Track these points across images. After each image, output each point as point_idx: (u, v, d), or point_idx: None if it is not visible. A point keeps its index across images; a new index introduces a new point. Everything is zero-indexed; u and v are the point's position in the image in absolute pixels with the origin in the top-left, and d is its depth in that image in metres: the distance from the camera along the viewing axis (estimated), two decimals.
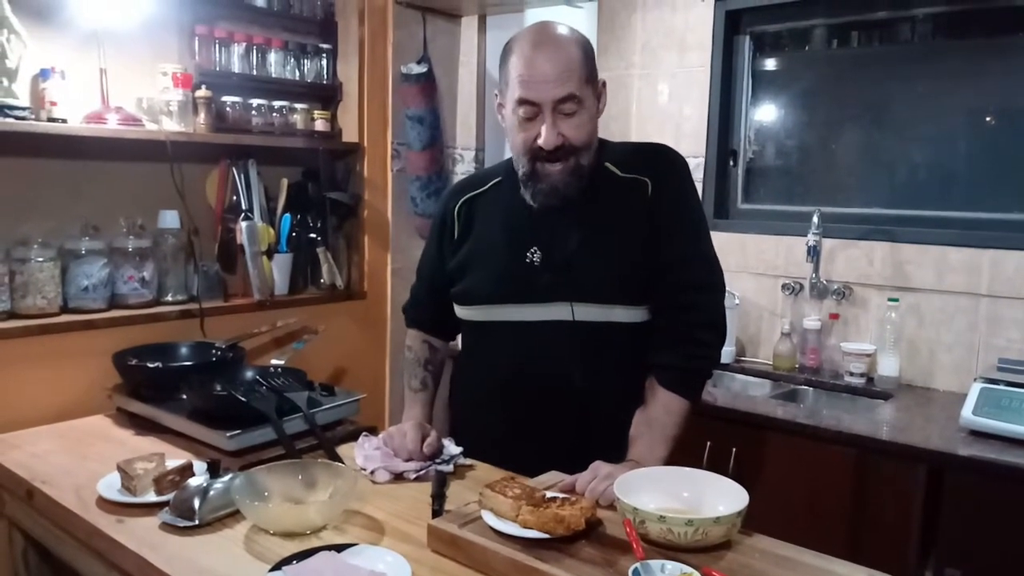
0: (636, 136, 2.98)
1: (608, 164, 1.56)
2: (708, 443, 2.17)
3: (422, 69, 2.67)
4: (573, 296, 1.52)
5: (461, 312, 1.66)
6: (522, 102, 1.44)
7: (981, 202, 2.43)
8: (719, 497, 1.23)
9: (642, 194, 1.53)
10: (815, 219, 2.49)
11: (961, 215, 2.45)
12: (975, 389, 2.00)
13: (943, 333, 2.40)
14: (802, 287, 2.64)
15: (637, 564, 1.08)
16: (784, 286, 2.68)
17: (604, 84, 1.54)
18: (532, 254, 1.55)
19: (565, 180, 1.49)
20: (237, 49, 2.42)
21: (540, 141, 1.44)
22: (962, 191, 2.49)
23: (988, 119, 2.47)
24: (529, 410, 1.56)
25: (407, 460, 1.56)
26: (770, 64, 2.87)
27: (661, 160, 1.59)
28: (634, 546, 1.12)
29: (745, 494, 1.21)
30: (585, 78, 1.46)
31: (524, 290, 1.55)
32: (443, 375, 1.83)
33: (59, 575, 1.79)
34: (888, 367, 2.43)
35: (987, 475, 1.81)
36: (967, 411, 1.95)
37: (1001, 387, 1.98)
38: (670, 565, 1.09)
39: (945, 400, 2.28)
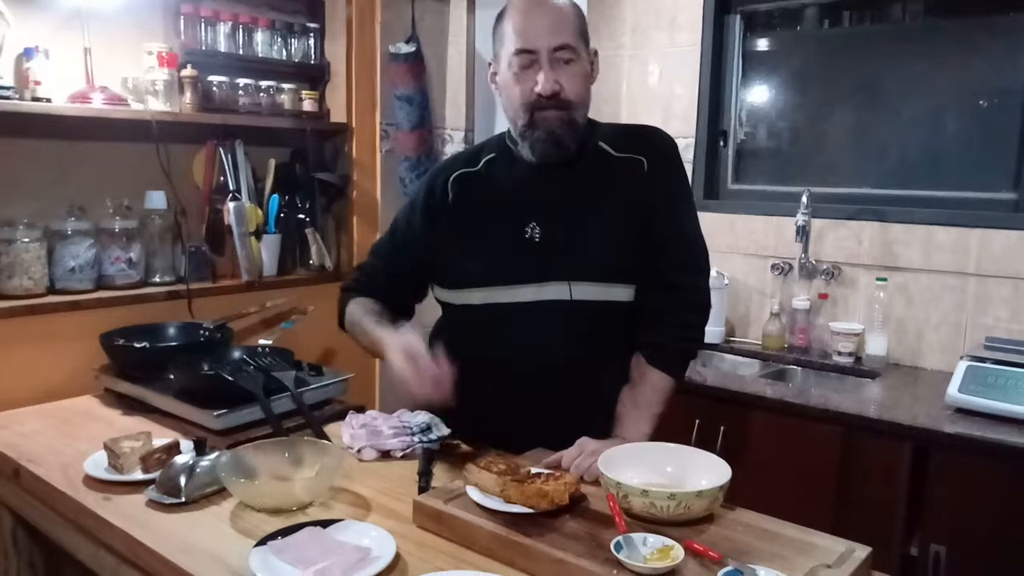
0: (627, 117, 2.97)
1: (602, 143, 1.56)
2: (697, 421, 2.18)
3: (411, 48, 2.66)
4: (571, 275, 1.50)
5: (449, 296, 1.60)
6: (519, 52, 1.45)
7: (969, 181, 2.44)
8: (703, 472, 1.24)
9: (637, 173, 1.53)
10: (804, 199, 2.49)
11: (949, 195, 2.46)
12: (961, 367, 2.01)
13: (931, 312, 2.41)
14: (791, 267, 2.65)
15: (619, 537, 1.08)
16: (773, 266, 2.68)
17: (596, 53, 1.56)
18: (531, 229, 1.52)
19: (562, 128, 1.48)
20: (223, 28, 2.39)
21: (538, 88, 1.45)
22: (951, 171, 2.49)
23: (977, 99, 2.47)
24: (523, 392, 1.54)
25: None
26: (761, 44, 2.86)
27: (655, 141, 1.59)
28: (617, 520, 1.13)
29: (728, 468, 1.22)
30: (579, 32, 1.49)
31: (523, 269, 1.51)
32: None
33: (48, 554, 1.80)
34: (876, 346, 2.44)
35: (972, 452, 1.82)
36: (953, 389, 1.97)
37: (988, 365, 1.99)
38: (652, 538, 1.09)
39: (932, 379, 2.29)
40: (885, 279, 2.45)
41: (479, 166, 1.61)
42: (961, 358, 2.06)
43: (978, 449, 1.81)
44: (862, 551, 1.10)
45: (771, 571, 1.00)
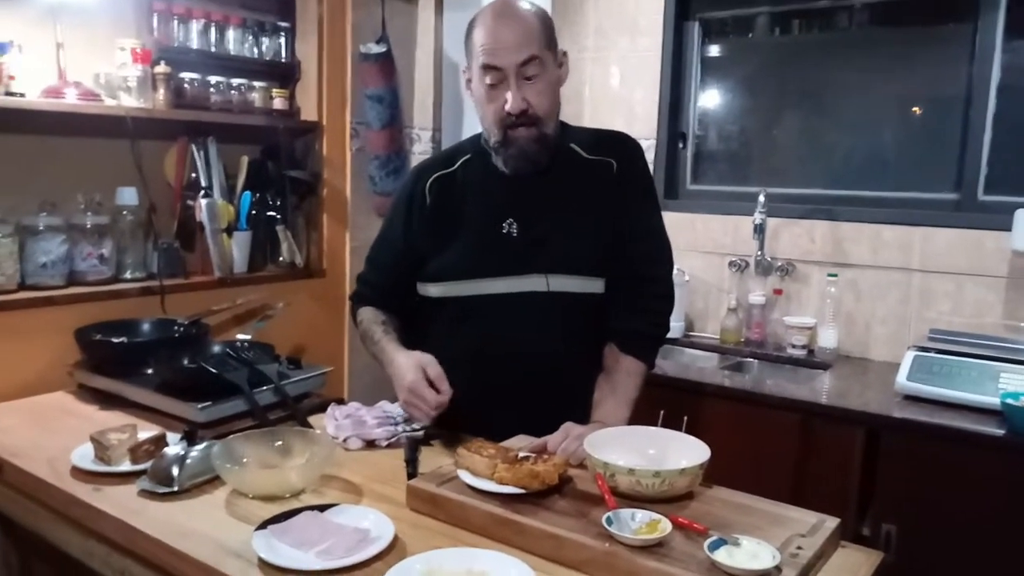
0: (589, 118, 3.05)
1: (574, 146, 1.66)
2: (662, 412, 2.26)
3: (381, 49, 2.69)
4: (548, 268, 1.60)
5: (432, 290, 1.68)
6: (487, 68, 1.53)
7: (914, 183, 2.59)
8: (681, 452, 1.32)
9: (608, 174, 1.64)
10: (761, 199, 2.60)
11: (895, 195, 2.60)
12: (909, 356, 2.14)
13: (878, 306, 2.55)
14: (748, 264, 2.76)
15: (609, 513, 1.15)
16: (731, 263, 2.79)
17: (565, 54, 1.63)
18: (509, 225, 1.61)
19: (532, 147, 1.56)
20: (196, 25, 2.39)
21: (507, 106, 1.52)
22: (896, 173, 2.64)
23: (920, 104, 2.61)
24: (504, 381, 1.61)
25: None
26: (718, 50, 2.98)
27: (623, 144, 1.70)
28: (606, 497, 1.20)
29: (706, 448, 1.30)
30: (545, 44, 1.55)
31: (501, 262, 1.60)
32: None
33: (24, 555, 1.79)
34: (827, 339, 2.57)
35: (920, 436, 1.94)
36: (902, 377, 2.09)
37: (933, 355, 2.12)
38: (640, 513, 1.16)
39: (880, 369, 2.42)
40: (836, 275, 2.58)
41: (455, 167, 1.69)
42: (908, 349, 2.19)
43: (926, 433, 1.93)
44: (832, 522, 1.19)
45: (753, 540, 1.08)
